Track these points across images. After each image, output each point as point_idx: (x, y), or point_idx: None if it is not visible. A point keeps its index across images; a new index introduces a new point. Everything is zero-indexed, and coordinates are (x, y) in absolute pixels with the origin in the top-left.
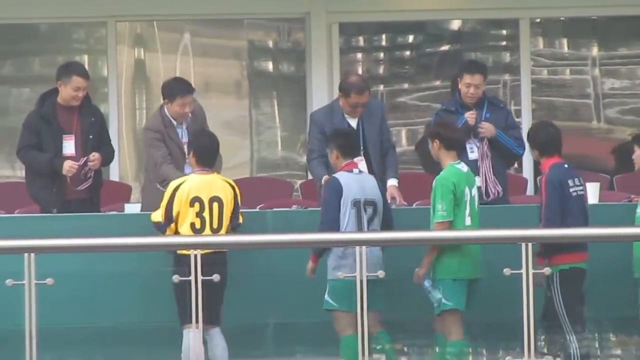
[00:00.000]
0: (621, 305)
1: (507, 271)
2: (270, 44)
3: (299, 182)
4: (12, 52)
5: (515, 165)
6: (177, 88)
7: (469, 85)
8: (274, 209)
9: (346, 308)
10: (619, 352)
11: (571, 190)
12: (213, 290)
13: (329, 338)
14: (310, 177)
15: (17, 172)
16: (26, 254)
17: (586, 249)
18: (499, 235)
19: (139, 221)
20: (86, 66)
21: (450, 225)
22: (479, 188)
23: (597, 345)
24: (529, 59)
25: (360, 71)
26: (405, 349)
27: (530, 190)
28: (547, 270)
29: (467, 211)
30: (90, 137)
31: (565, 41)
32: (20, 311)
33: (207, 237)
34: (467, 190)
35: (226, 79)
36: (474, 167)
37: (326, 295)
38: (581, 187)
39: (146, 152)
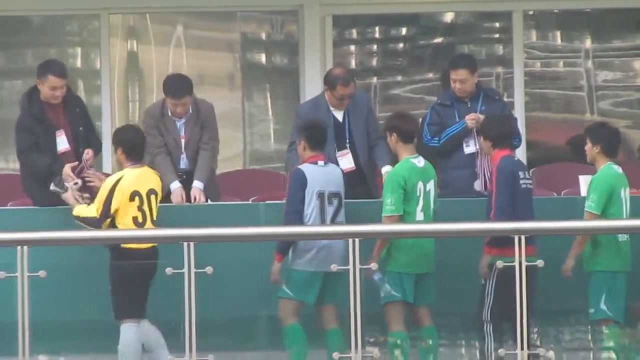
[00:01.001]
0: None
1: (499, 264)
2: (264, 36)
3: None
4: (4, 44)
5: None
6: (171, 89)
7: (454, 80)
8: (267, 201)
9: (301, 298)
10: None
11: (521, 182)
12: (147, 283)
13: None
14: None
15: (10, 165)
16: (19, 247)
17: (532, 243)
18: (492, 227)
19: None
20: (79, 58)
21: (400, 220)
22: (477, 181)
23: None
24: (522, 51)
25: (353, 63)
26: (372, 340)
27: None
28: (540, 263)
29: (420, 206)
30: (80, 129)
31: (558, 33)
32: (12, 303)
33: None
34: (420, 185)
35: (219, 72)
36: (470, 161)
37: (284, 285)
38: (530, 181)
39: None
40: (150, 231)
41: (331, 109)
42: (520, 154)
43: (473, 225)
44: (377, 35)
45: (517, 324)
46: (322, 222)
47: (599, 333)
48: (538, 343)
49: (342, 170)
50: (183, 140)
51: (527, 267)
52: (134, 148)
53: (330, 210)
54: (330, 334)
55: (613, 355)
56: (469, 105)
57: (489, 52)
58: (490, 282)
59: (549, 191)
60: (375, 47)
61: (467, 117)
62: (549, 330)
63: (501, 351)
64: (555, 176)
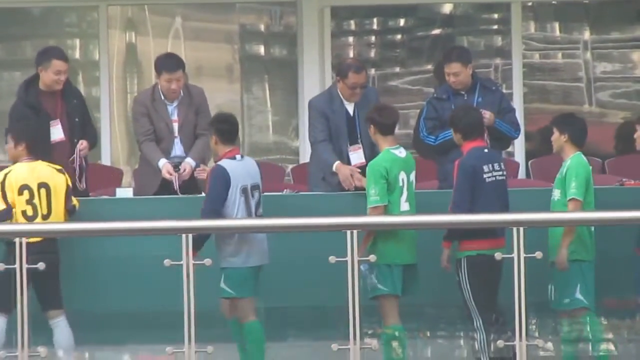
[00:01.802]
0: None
1: (498, 255)
2: (262, 27)
3: (291, 166)
4: (4, 36)
5: (510, 148)
6: (163, 63)
7: (448, 74)
8: (266, 193)
9: (245, 294)
10: (535, 335)
11: (485, 176)
12: (45, 278)
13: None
14: (302, 161)
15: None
16: (17, 239)
17: (496, 236)
18: (490, 219)
19: (129, 206)
20: (77, 50)
21: (385, 210)
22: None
23: (508, 330)
24: (521, 42)
25: (351, 55)
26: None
27: (522, 174)
28: (538, 255)
29: (404, 196)
30: (76, 119)
31: (557, 25)
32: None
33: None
34: (402, 175)
35: (218, 63)
36: None
37: (222, 283)
38: (500, 173)
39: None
40: (148, 223)
41: (344, 102)
42: (519, 145)
43: (474, 217)
44: (375, 26)
45: (515, 316)
46: (249, 216)
47: (578, 323)
48: (536, 334)
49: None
50: (176, 124)
51: (488, 258)
52: (39, 144)
53: (253, 204)
54: (249, 326)
55: (612, 346)
56: (465, 98)
57: (488, 43)
58: (463, 276)
59: (548, 182)
60: (373, 38)
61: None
62: (547, 321)
63: (500, 342)
64: (554, 167)
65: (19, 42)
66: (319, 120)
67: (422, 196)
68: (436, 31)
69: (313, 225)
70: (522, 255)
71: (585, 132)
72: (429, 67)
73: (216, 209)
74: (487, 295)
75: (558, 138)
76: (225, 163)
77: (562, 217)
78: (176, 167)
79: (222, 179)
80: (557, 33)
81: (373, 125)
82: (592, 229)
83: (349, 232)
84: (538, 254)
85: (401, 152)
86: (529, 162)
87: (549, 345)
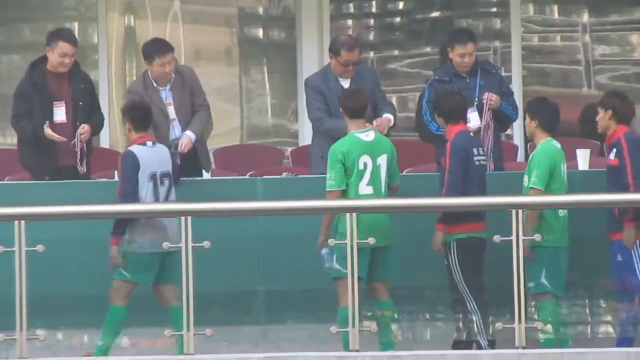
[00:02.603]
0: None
1: (497, 238)
2: (261, 10)
3: (290, 149)
4: (2, 19)
5: (508, 131)
6: (154, 48)
7: (463, 55)
8: (264, 176)
9: (136, 280)
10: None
11: (475, 158)
12: None
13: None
14: (301, 144)
15: (8, 140)
16: (16, 221)
17: (483, 218)
18: (489, 202)
19: None
20: (76, 33)
21: (342, 195)
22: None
23: (496, 312)
24: (520, 25)
25: None
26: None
27: (521, 157)
28: (537, 237)
29: (365, 180)
30: (80, 103)
31: (555, 7)
32: (10, 278)
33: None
34: (365, 159)
35: (216, 46)
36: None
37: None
38: (484, 157)
39: None
40: (148, 205)
41: (339, 79)
42: (517, 128)
43: (473, 200)
44: (374, 9)
45: (515, 299)
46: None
47: (534, 307)
48: (535, 317)
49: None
50: (170, 108)
51: (479, 241)
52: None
53: (162, 191)
54: (172, 311)
55: (549, 327)
56: (467, 81)
57: (487, 26)
58: (452, 259)
59: None
60: (372, 21)
61: (470, 126)
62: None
63: (499, 325)
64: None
65: (17, 26)
66: (316, 98)
67: (420, 179)
68: (435, 14)
69: (311, 208)
70: (521, 237)
71: (557, 118)
72: (428, 49)
73: (133, 190)
74: (478, 277)
75: (529, 124)
76: (135, 148)
77: (562, 199)
78: (175, 147)
79: (131, 164)
80: (556, 16)
81: (342, 109)
82: (562, 214)
83: (348, 215)
84: (537, 237)
85: (368, 136)
86: (528, 145)
87: (548, 327)
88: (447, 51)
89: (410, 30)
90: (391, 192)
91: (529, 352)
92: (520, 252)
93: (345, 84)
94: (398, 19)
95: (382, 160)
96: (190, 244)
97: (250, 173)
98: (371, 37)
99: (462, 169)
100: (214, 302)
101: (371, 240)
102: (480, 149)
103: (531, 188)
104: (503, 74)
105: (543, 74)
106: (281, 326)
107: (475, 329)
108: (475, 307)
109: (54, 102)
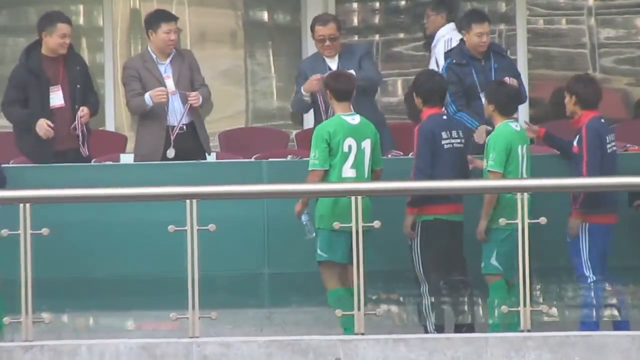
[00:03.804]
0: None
1: (502, 221)
2: None
3: (295, 132)
4: (7, 2)
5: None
6: (160, 15)
7: (481, 34)
8: (270, 159)
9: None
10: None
11: (444, 142)
12: None
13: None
14: (306, 126)
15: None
16: (21, 205)
17: (453, 201)
18: (496, 185)
19: (134, 171)
20: (81, 16)
21: (325, 175)
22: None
23: (473, 297)
24: (525, 8)
25: (355, 21)
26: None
27: None
28: (542, 220)
29: (349, 163)
30: (78, 86)
31: None
32: (15, 261)
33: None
34: (350, 141)
35: (221, 29)
36: (490, 120)
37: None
38: (459, 140)
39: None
40: (153, 189)
41: (327, 60)
42: (523, 111)
43: (480, 182)
44: None
45: (519, 282)
46: None
47: (485, 287)
48: (541, 300)
49: None
50: (169, 81)
51: (452, 223)
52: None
53: None
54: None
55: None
56: (483, 63)
57: (492, 9)
58: (415, 240)
59: (551, 149)
60: (377, 4)
61: (476, 136)
62: (551, 287)
63: (504, 308)
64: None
65: (23, 8)
66: (299, 83)
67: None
68: None
69: (316, 191)
70: (527, 221)
71: (514, 100)
72: None
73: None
74: (440, 260)
75: (487, 107)
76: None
77: (567, 182)
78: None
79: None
80: None
81: (329, 91)
82: (521, 196)
83: (353, 197)
84: (542, 220)
85: (354, 119)
86: None
87: (554, 310)
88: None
89: (415, 14)
90: (375, 177)
91: (534, 335)
92: (526, 236)
93: (333, 65)
94: (403, 2)
95: (366, 144)
96: (195, 227)
97: (255, 156)
98: (376, 20)
99: (429, 153)
100: (219, 285)
101: (376, 224)
102: (454, 132)
103: (489, 171)
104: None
105: (548, 57)
106: (286, 309)
107: (424, 313)
108: (427, 290)
109: (51, 87)
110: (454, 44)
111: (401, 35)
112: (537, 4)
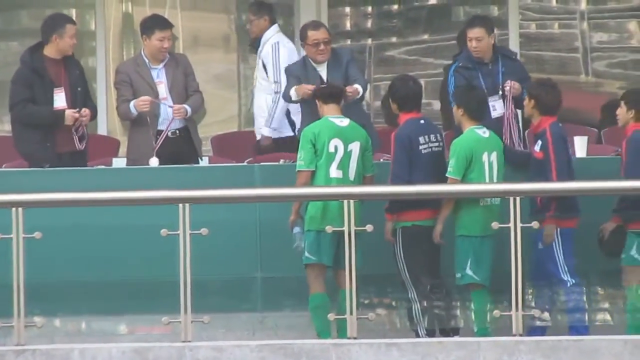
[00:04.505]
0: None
1: (495, 225)
2: None
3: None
4: (0, 5)
5: None
6: (155, 21)
7: (470, 39)
8: (262, 163)
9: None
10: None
11: (421, 147)
12: None
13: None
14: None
15: (6, 127)
16: (14, 208)
17: (432, 207)
18: (488, 189)
19: (126, 175)
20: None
21: (312, 176)
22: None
23: (442, 301)
24: (518, 12)
25: (348, 25)
26: None
27: None
28: (535, 224)
29: (335, 164)
30: (79, 89)
31: None
32: (8, 265)
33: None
34: (336, 142)
35: (214, 33)
36: (497, 125)
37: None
38: (437, 144)
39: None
40: (146, 193)
41: (316, 67)
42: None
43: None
44: None
45: (512, 286)
46: None
47: (468, 298)
48: (533, 304)
49: None
50: (161, 86)
51: (423, 229)
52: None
53: None
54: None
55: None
56: (489, 67)
57: (484, 13)
58: (397, 247)
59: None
60: (370, 8)
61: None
62: (544, 291)
63: (496, 312)
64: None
65: (15, 12)
66: (290, 83)
67: None
68: (433, 1)
69: (308, 195)
70: (519, 225)
71: (482, 105)
72: (426, 37)
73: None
74: (423, 266)
75: (456, 112)
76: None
77: (558, 187)
78: (174, 133)
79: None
80: (554, 3)
81: (316, 97)
82: (486, 203)
83: (345, 201)
84: (535, 224)
85: (342, 122)
86: (526, 132)
87: (546, 315)
88: (465, 36)
89: (408, 18)
90: (365, 183)
91: (526, 339)
92: (519, 240)
93: (323, 72)
94: (396, 7)
95: (355, 147)
96: (187, 231)
97: (247, 160)
98: (369, 24)
99: (406, 158)
100: (212, 289)
101: (369, 228)
102: (432, 136)
103: (448, 177)
104: None
105: (541, 61)
106: (278, 313)
107: (415, 318)
108: (416, 296)
109: (54, 89)
110: (282, 48)
111: (393, 39)
112: (530, 8)
